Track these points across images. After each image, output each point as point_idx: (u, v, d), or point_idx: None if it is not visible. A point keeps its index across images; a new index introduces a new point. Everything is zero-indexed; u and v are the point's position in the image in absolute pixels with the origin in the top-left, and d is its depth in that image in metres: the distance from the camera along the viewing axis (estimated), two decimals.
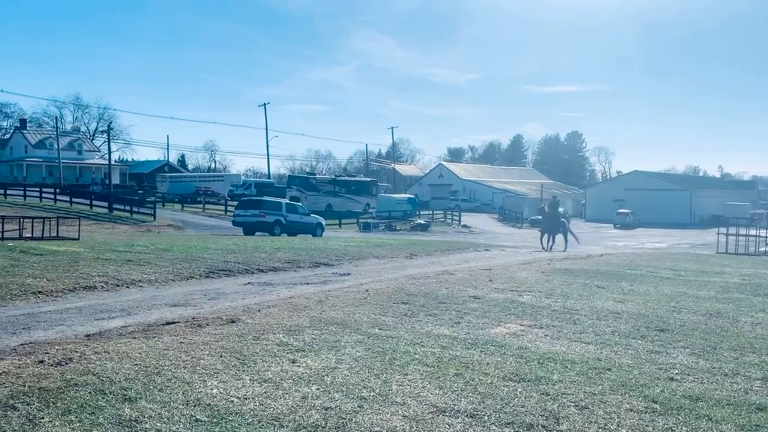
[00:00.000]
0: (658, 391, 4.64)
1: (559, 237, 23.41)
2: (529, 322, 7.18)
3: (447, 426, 3.77)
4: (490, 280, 10.90)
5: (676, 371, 5.26)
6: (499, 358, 5.41)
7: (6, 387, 4.10)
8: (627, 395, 4.50)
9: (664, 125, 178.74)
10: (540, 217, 26.05)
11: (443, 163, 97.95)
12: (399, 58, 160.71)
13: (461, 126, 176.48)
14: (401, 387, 4.47)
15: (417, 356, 5.34)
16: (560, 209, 28.08)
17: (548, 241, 22.98)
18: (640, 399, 4.43)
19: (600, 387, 4.68)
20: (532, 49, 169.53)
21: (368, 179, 65.23)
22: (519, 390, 4.51)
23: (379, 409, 3.98)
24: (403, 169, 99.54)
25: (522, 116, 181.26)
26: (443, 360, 5.26)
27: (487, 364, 5.21)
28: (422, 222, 46.87)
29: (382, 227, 43.57)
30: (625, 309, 8.43)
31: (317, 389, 4.33)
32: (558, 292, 9.75)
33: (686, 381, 4.98)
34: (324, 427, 3.65)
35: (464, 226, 48.14)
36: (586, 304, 8.67)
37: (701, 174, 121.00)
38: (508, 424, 3.84)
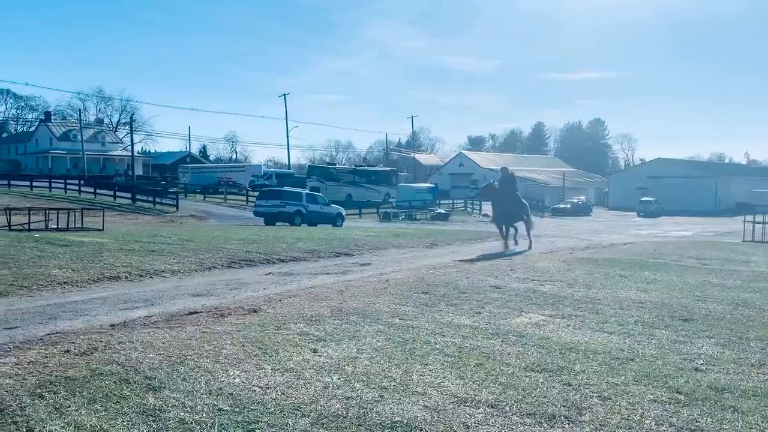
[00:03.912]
0: (682, 381, 4.58)
1: (522, 226, 17.44)
2: (550, 312, 7.13)
3: (468, 416, 3.76)
4: (511, 270, 10.84)
5: (701, 361, 5.19)
6: (521, 348, 5.38)
7: (33, 376, 4.17)
8: (651, 386, 4.45)
9: (688, 111, 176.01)
10: (490, 199, 18.21)
11: (463, 151, 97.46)
12: (417, 47, 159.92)
13: (481, 114, 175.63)
14: (422, 377, 4.47)
15: (437, 346, 5.33)
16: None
17: (507, 234, 16.74)
18: (664, 390, 4.37)
19: (623, 377, 4.63)
20: (552, 36, 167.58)
21: (388, 169, 65.21)
22: (540, 380, 4.48)
23: (399, 399, 3.99)
24: (423, 158, 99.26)
25: (543, 104, 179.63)
26: (464, 350, 5.24)
27: (509, 354, 5.18)
28: (442, 211, 46.75)
29: (402, 217, 43.58)
30: (648, 298, 8.33)
31: (338, 379, 4.34)
32: (580, 282, 9.66)
33: (711, 371, 4.91)
34: (345, 417, 3.66)
35: (485, 215, 47.90)
36: (608, 294, 8.59)
37: (727, 161, 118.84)
38: (530, 414, 3.82)
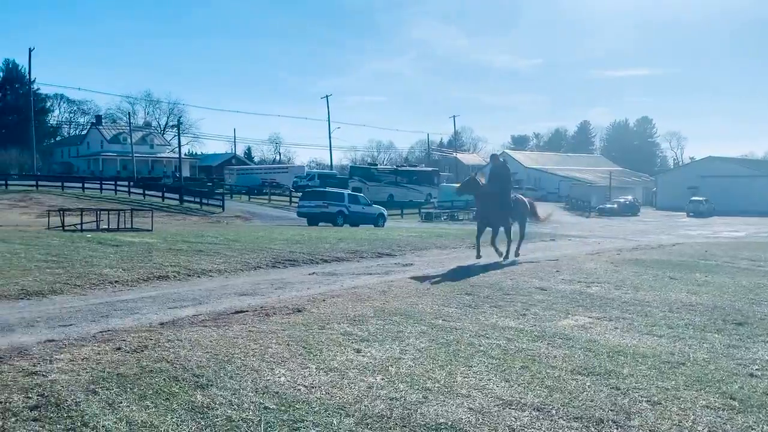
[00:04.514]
0: (736, 387, 4.44)
1: (507, 230, 13.26)
2: (597, 314, 7.00)
3: (513, 419, 3.72)
4: (557, 271, 10.68)
5: (757, 367, 5.01)
6: (567, 351, 5.29)
7: (87, 372, 4.31)
8: (703, 391, 4.32)
9: (740, 109, 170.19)
10: (471, 196, 15.47)
11: (507, 151, 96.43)
12: (459, 46, 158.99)
13: (525, 113, 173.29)
14: (466, 379, 4.44)
15: (482, 348, 5.29)
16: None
17: (494, 240, 12.95)
18: (717, 395, 4.24)
19: (673, 382, 4.51)
20: (597, 32, 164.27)
21: (430, 169, 65.06)
22: (588, 384, 4.40)
23: (444, 401, 3.97)
24: (466, 158, 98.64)
25: (588, 102, 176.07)
26: (509, 352, 5.19)
27: (555, 357, 5.11)
28: None
29: (444, 217, 43.40)
30: (699, 301, 8.09)
31: (382, 379, 4.35)
32: (628, 284, 9.46)
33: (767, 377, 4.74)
34: (389, 417, 3.66)
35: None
36: (657, 296, 8.38)
37: None
38: (577, 418, 3.75)
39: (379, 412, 3.73)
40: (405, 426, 3.56)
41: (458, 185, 17.75)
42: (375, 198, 42.90)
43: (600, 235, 23.64)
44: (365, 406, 3.83)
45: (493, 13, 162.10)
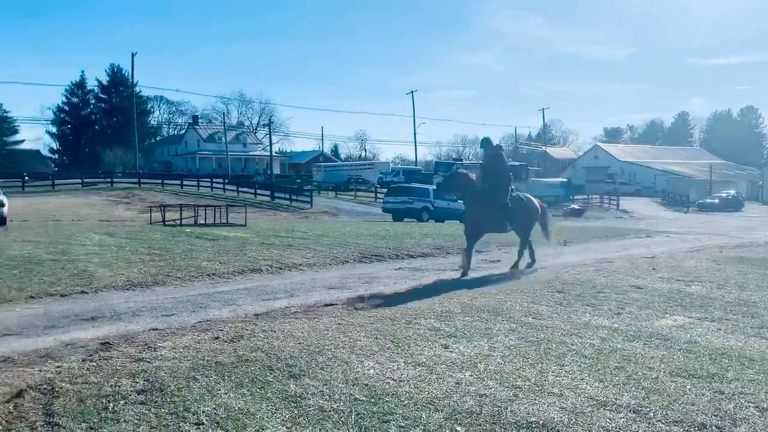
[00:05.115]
0: None
1: (523, 238, 10.67)
2: (698, 315, 6.65)
3: (608, 420, 3.60)
4: (654, 269, 10.22)
5: None
6: (665, 352, 5.06)
7: (188, 360, 4.54)
8: None
9: None
10: (462, 195, 11.13)
11: (599, 144, 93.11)
12: (546, 36, 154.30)
13: (618, 104, 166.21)
14: (558, 378, 4.34)
15: (574, 347, 5.15)
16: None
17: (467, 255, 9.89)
18: None
19: None
20: (694, 18, 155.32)
21: (517, 163, 63.69)
22: (688, 387, 4.19)
23: (535, 399, 3.90)
24: (555, 151, 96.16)
25: (686, 92, 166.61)
26: (603, 352, 5.02)
27: (652, 357, 4.89)
28: (576, 207, 45.01)
29: None
30: None
31: (470, 375, 4.33)
32: (732, 283, 8.91)
33: None
34: (479, 414, 3.64)
35: (623, 210, 45.52)
36: (765, 296, 7.85)
37: None
38: (677, 422, 3.58)
39: (468, 408, 3.71)
40: (495, 423, 3.53)
41: (439, 182, 13.82)
42: None
43: (700, 232, 22.40)
44: (454, 401, 3.82)
45: (581, 2, 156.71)
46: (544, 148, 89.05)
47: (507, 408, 3.74)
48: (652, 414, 3.69)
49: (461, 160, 69.76)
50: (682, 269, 10.31)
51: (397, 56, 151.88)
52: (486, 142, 10.72)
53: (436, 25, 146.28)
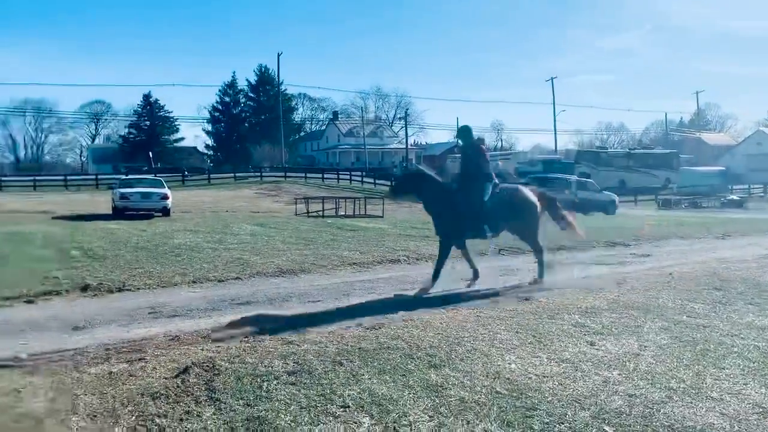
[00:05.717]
0: None
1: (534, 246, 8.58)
2: None
3: None
4: None
5: None
6: None
7: (333, 345, 4.73)
8: None
9: None
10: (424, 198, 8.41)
11: (762, 128, 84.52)
12: (700, 14, 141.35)
13: None
14: (717, 381, 4.02)
15: (735, 349, 4.74)
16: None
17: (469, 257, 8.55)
18: None
19: None
20: None
21: (668, 151, 59.67)
22: None
23: (690, 403, 3.64)
24: (711, 138, 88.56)
25: None
26: None
27: None
28: (735, 198, 41.26)
29: (685, 204, 39.51)
30: None
31: (619, 374, 4.13)
32: None
33: None
34: (628, 414, 3.46)
35: None
36: None
37: None
38: None
39: (616, 408, 3.55)
40: (647, 425, 3.34)
41: (391, 185, 11.94)
42: (604, 184, 40.44)
43: None
44: (601, 400, 3.67)
45: None
46: (697, 134, 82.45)
47: (659, 410, 3.53)
48: None
49: (606, 148, 66.24)
50: None
51: (531, 42, 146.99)
52: (464, 132, 8.65)
53: (574, 7, 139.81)
